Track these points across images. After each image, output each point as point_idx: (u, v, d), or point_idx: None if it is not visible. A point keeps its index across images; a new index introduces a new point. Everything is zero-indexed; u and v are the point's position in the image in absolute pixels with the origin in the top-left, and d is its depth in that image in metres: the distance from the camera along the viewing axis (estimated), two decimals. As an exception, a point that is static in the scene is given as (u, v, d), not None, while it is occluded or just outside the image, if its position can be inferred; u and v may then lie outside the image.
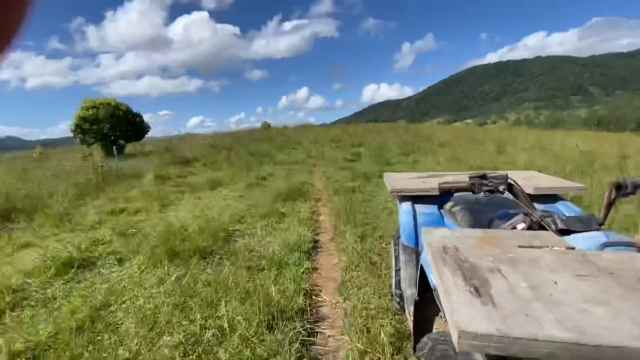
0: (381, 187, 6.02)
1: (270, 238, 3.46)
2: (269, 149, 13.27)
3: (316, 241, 3.38)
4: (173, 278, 2.49)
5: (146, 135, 17.62)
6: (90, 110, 15.05)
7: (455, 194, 1.91)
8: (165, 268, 2.68)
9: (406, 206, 1.78)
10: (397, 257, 1.92)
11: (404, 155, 10.49)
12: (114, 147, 9.62)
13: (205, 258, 2.97)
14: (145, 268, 2.79)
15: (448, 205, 1.76)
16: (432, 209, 1.78)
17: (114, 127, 15.19)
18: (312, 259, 2.95)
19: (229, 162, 9.93)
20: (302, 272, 2.57)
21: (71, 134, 15.51)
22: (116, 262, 3.04)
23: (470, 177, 1.31)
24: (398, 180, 2.05)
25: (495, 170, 1.56)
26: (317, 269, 2.77)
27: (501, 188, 1.25)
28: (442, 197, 1.80)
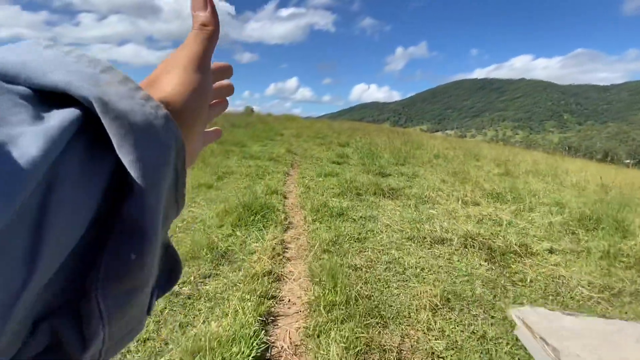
0: (378, 211, 4.37)
1: (173, 341, 1.67)
2: (242, 137, 11.25)
3: (265, 348, 1.64)
4: None
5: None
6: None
7: None
8: None
9: None
10: None
11: (399, 165, 8.92)
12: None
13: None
14: None
15: None
16: None
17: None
18: None
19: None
20: None
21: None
22: None
23: None
24: None
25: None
26: None
27: None
28: None
